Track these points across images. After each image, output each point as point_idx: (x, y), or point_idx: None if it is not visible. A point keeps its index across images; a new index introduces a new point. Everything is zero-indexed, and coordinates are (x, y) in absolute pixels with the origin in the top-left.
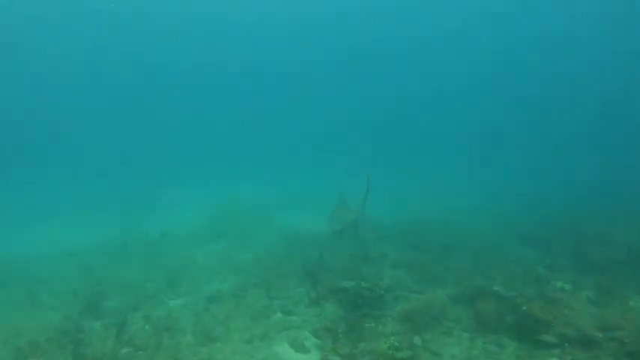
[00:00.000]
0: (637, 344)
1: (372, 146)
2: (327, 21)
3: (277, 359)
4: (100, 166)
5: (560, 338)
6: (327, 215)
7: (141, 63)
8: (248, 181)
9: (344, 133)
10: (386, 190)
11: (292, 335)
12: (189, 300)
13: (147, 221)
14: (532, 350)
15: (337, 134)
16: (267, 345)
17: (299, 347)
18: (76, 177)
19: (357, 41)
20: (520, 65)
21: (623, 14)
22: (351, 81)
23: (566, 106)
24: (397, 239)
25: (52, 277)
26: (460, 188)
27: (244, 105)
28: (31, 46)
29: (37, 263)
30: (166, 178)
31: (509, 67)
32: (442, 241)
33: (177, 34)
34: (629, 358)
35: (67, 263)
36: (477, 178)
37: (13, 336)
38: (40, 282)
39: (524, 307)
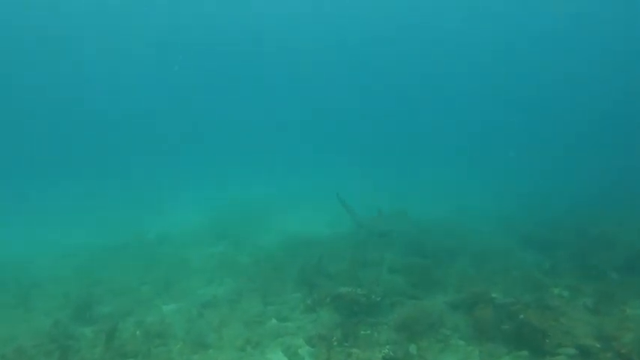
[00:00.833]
0: (633, 355)
1: (372, 146)
2: (326, 20)
3: None
4: (102, 167)
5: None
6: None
7: (143, 63)
8: (249, 182)
9: (345, 133)
10: (386, 190)
11: (286, 343)
12: (183, 305)
13: (147, 222)
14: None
15: (338, 134)
16: (260, 353)
17: (292, 355)
18: (77, 177)
19: (358, 40)
20: (523, 65)
21: (623, 14)
22: (353, 80)
23: (568, 105)
24: (397, 242)
25: (48, 279)
26: (462, 189)
27: (247, 105)
28: None
29: (35, 264)
30: (168, 178)
31: (512, 67)
32: (443, 245)
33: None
34: None
35: (64, 265)
36: (479, 179)
37: (3, 341)
38: (35, 284)
39: (522, 316)
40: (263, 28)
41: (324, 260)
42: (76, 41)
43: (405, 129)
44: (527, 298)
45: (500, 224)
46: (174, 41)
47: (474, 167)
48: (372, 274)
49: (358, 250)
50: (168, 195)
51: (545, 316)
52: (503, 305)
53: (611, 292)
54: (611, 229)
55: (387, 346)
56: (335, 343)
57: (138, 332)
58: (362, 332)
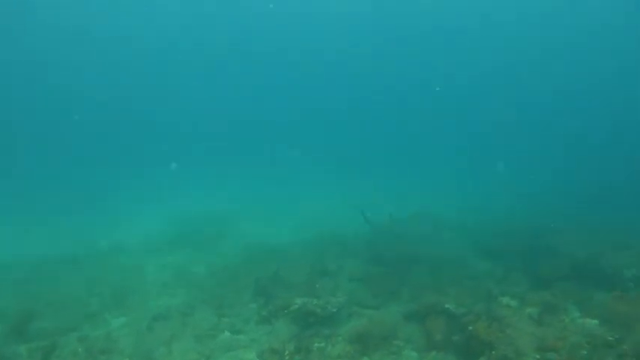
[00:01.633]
0: None
1: (345, 151)
2: (319, 22)
3: None
4: (54, 170)
5: None
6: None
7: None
8: (213, 189)
9: (307, 143)
10: (354, 199)
11: (238, 356)
12: (133, 318)
13: (101, 231)
14: None
15: (310, 140)
16: None
17: None
18: (27, 181)
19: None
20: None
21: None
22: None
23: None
24: (359, 251)
25: None
26: (424, 198)
27: (219, 109)
28: None
29: None
30: (127, 183)
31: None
32: (401, 254)
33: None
34: None
35: (3, 276)
36: (441, 187)
37: None
38: None
39: (471, 327)
40: (252, 26)
41: (282, 269)
42: None
43: (372, 138)
44: (479, 308)
45: (462, 233)
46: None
47: (438, 175)
48: (330, 283)
49: (318, 259)
50: (127, 203)
51: (492, 327)
52: (455, 316)
53: (554, 302)
54: (561, 239)
55: None
56: (287, 357)
57: (80, 349)
58: (316, 345)
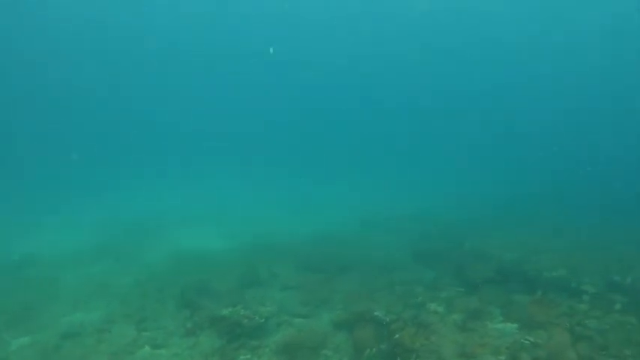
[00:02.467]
0: None
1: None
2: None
3: None
4: None
5: None
6: None
7: None
8: (143, 192)
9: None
10: (289, 204)
11: None
12: (40, 337)
13: (14, 239)
14: None
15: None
16: None
17: None
18: None
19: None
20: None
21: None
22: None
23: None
24: (293, 257)
25: None
26: (361, 202)
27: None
28: None
29: None
30: (47, 184)
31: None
32: (337, 259)
33: None
34: None
35: None
36: (376, 190)
37: None
38: None
39: (397, 335)
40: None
41: (211, 278)
42: None
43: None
44: (408, 314)
45: (396, 237)
46: None
47: (374, 180)
48: (260, 292)
49: (250, 266)
50: (47, 206)
51: (417, 335)
52: (383, 323)
53: (479, 307)
54: (489, 243)
55: None
56: None
57: None
58: (241, 357)
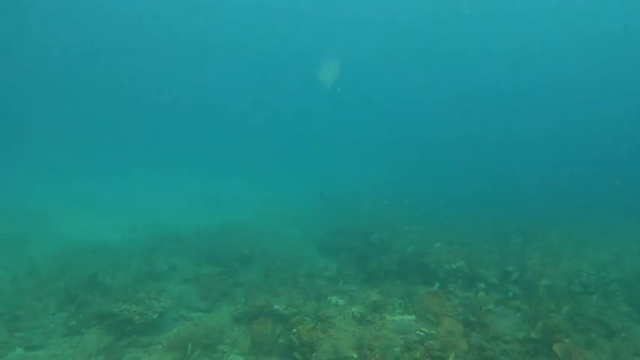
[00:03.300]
0: None
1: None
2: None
3: None
4: None
5: None
6: None
7: None
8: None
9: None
10: (200, 196)
11: None
12: None
13: None
14: None
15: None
16: None
17: None
18: None
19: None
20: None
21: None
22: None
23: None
24: (197, 250)
25: None
26: (275, 193)
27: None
28: None
29: None
30: None
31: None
32: (243, 251)
33: None
34: None
35: None
36: (291, 183)
37: None
38: None
39: (295, 329)
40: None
41: (102, 273)
42: None
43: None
44: (309, 307)
45: (306, 229)
46: None
47: (289, 171)
48: (157, 286)
49: (149, 259)
50: None
51: (316, 329)
52: (283, 317)
53: (379, 300)
54: (393, 236)
55: None
56: None
57: None
58: (129, 356)
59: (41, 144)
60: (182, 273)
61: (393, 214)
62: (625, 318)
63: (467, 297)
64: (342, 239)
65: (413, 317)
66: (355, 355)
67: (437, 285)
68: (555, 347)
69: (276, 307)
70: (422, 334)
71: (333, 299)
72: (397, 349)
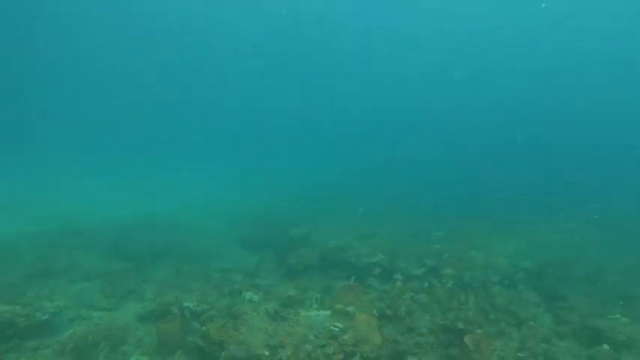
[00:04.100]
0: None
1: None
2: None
3: None
4: None
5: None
6: None
7: None
8: None
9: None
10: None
11: None
12: None
13: None
14: None
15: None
16: None
17: None
18: None
19: None
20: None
21: None
22: None
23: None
24: (103, 244)
25: None
26: (200, 185)
27: None
28: None
29: None
30: None
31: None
32: (154, 246)
33: None
34: None
35: None
36: (219, 175)
37: None
38: None
39: (204, 328)
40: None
41: None
42: None
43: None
44: (222, 304)
45: (228, 221)
46: None
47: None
48: (51, 284)
49: (43, 255)
50: None
51: (227, 326)
52: (193, 314)
53: (295, 295)
54: (313, 230)
55: None
56: None
57: None
58: None
59: None
60: (85, 269)
61: (313, 207)
62: (533, 307)
63: (385, 290)
64: (263, 234)
65: (328, 312)
66: (266, 353)
67: (353, 278)
68: (466, 339)
69: (186, 303)
70: (336, 329)
71: (248, 295)
72: (309, 346)
